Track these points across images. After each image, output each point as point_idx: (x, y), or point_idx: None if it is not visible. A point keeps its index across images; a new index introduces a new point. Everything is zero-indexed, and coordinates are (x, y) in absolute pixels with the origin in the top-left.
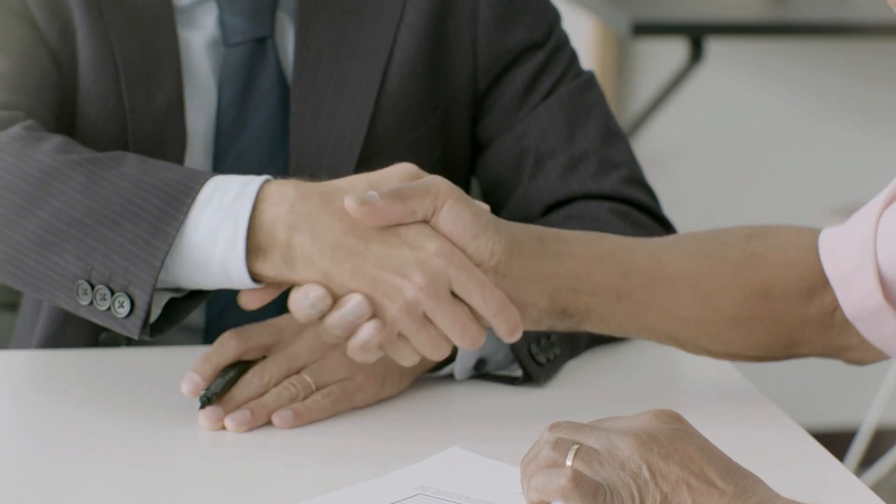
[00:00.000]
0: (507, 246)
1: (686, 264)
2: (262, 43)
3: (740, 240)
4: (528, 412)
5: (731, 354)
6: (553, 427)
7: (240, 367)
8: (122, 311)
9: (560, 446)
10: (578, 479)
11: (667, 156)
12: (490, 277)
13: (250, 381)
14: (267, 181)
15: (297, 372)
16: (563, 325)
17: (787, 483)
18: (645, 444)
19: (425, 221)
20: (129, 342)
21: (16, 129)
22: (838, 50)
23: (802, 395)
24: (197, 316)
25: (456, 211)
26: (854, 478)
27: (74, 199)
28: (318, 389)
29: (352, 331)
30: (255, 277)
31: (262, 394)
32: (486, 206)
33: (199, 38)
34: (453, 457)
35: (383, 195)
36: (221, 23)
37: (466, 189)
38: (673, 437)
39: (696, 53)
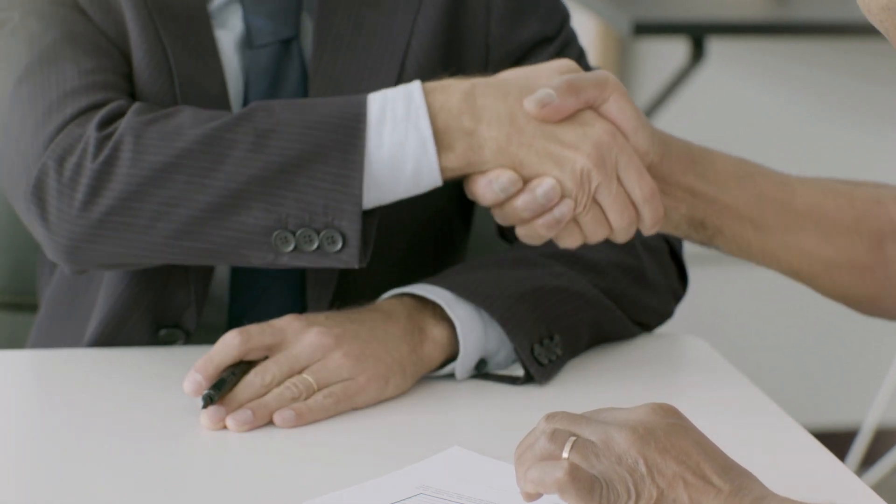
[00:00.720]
0: (659, 149)
1: (816, 198)
2: (287, 44)
3: (870, 184)
4: (530, 411)
5: (850, 301)
6: (549, 417)
7: (242, 368)
8: (335, 247)
9: (557, 438)
10: (575, 473)
11: None
12: None
13: (252, 382)
14: (424, 84)
15: (299, 372)
16: (697, 236)
17: (787, 482)
18: (642, 439)
19: (592, 108)
20: (188, 337)
21: (135, 115)
22: (840, 50)
23: (804, 395)
24: (219, 316)
25: (621, 104)
26: (855, 477)
27: (246, 157)
28: (319, 389)
29: (540, 213)
30: (441, 173)
31: (264, 394)
32: None
33: (229, 38)
34: (454, 456)
35: (559, 91)
36: (247, 24)
37: None
38: (670, 432)
39: (698, 53)
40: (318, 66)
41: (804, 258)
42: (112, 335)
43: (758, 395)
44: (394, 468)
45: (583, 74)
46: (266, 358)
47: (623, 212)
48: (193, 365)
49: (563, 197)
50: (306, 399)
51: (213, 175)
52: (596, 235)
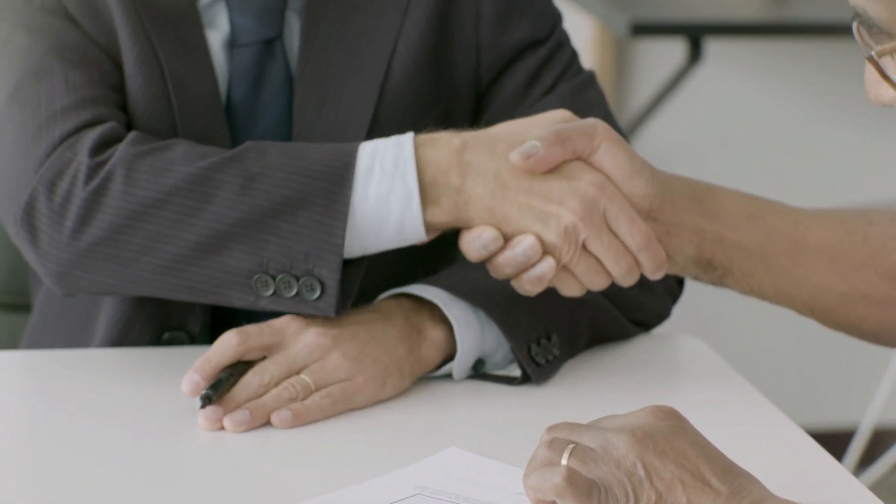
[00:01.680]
0: (659, 191)
1: (829, 236)
2: (271, 44)
3: (885, 221)
4: (527, 412)
5: (863, 333)
6: (551, 428)
7: (240, 368)
8: (313, 295)
9: (555, 446)
10: (572, 478)
11: (666, 156)
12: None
13: (250, 382)
14: (416, 137)
15: (297, 373)
16: (706, 277)
17: (785, 483)
18: (640, 442)
19: (581, 159)
20: (192, 340)
21: (129, 145)
22: (837, 50)
23: (801, 396)
24: (210, 316)
25: (612, 151)
26: (852, 478)
27: (232, 199)
28: (317, 390)
29: (522, 269)
30: (427, 227)
31: (262, 394)
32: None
33: (217, 37)
34: (451, 457)
35: (544, 142)
36: (232, 23)
37: None
38: (669, 435)
39: (695, 54)
40: (305, 68)
41: (818, 294)
42: (119, 339)
43: (755, 395)
44: (391, 468)
45: (571, 124)
46: (264, 358)
47: (619, 260)
48: (192, 365)
49: (545, 254)
50: (304, 399)
51: (199, 214)
52: (595, 284)
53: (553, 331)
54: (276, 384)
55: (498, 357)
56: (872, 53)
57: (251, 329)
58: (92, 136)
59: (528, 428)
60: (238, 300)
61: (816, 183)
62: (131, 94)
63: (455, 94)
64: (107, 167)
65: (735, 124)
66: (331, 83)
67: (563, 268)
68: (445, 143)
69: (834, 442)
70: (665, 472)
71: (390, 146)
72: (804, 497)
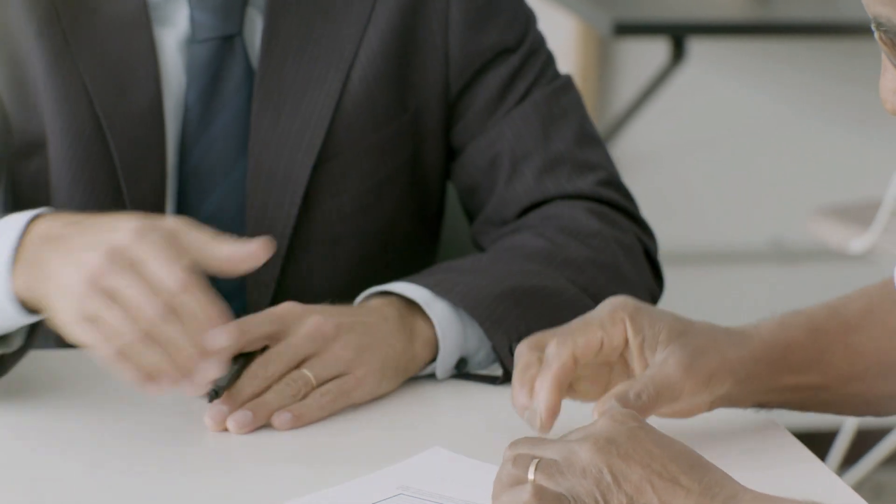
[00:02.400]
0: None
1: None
2: (230, 40)
3: None
4: (510, 412)
5: None
6: (513, 444)
7: (243, 360)
8: None
9: (520, 462)
10: (540, 494)
11: (649, 156)
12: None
13: (255, 374)
14: (44, 214)
15: (300, 363)
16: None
17: (769, 483)
18: (603, 448)
19: None
20: None
21: None
22: (821, 50)
23: None
24: None
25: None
26: (836, 477)
27: None
28: (318, 385)
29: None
30: (24, 305)
31: (267, 386)
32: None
33: (172, 35)
34: (435, 457)
35: (639, 405)
36: (191, 19)
37: (442, 195)
38: (631, 437)
39: (678, 53)
40: (265, 72)
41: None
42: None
43: None
44: (374, 468)
45: (656, 387)
46: (266, 348)
47: (146, 304)
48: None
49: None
50: (305, 396)
51: None
52: (129, 331)
53: (535, 329)
54: (281, 376)
55: (480, 356)
56: None
57: (251, 320)
58: None
59: (511, 428)
60: None
61: (800, 183)
62: (58, 125)
63: (424, 103)
64: None
65: (718, 124)
66: (289, 91)
67: (93, 320)
68: (56, 218)
69: (817, 441)
70: (632, 475)
71: (13, 219)
72: (786, 496)
